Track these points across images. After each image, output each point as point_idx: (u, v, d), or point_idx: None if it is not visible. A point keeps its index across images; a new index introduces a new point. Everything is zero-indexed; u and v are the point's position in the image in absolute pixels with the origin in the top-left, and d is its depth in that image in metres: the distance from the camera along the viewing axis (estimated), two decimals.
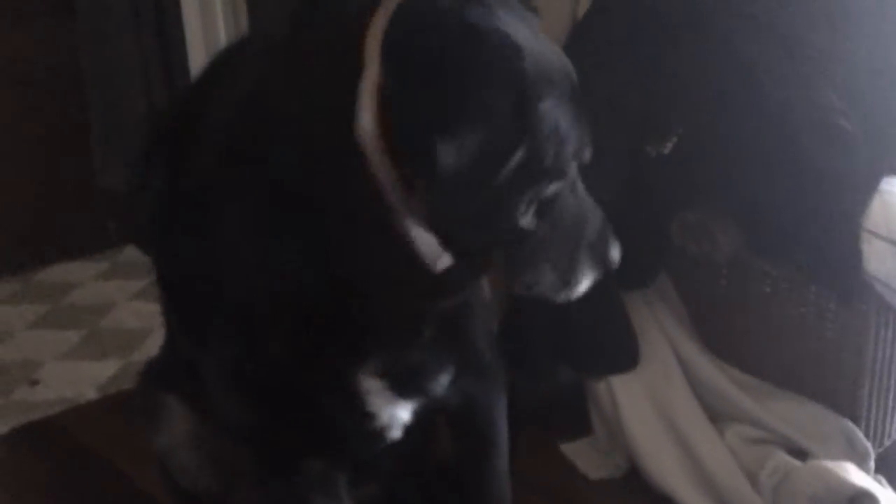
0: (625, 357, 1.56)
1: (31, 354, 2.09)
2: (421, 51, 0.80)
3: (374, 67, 0.80)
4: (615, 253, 1.00)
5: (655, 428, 1.50)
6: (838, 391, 1.47)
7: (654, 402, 1.52)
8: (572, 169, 0.93)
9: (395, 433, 1.07)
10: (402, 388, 1.01)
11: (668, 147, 1.53)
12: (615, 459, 1.56)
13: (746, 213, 1.51)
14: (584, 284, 0.97)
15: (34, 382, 1.97)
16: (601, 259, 0.98)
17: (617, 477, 1.55)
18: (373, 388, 0.99)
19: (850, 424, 1.45)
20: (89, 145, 2.49)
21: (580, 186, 0.96)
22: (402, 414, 1.04)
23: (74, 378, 1.98)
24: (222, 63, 0.99)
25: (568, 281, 0.96)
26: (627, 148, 1.54)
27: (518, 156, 0.82)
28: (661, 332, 1.58)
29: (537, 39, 0.88)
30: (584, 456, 1.58)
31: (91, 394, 1.92)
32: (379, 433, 1.06)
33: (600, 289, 1.55)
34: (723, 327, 1.59)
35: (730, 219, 1.50)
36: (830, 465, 1.36)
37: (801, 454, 1.44)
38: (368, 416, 1.02)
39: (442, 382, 1.06)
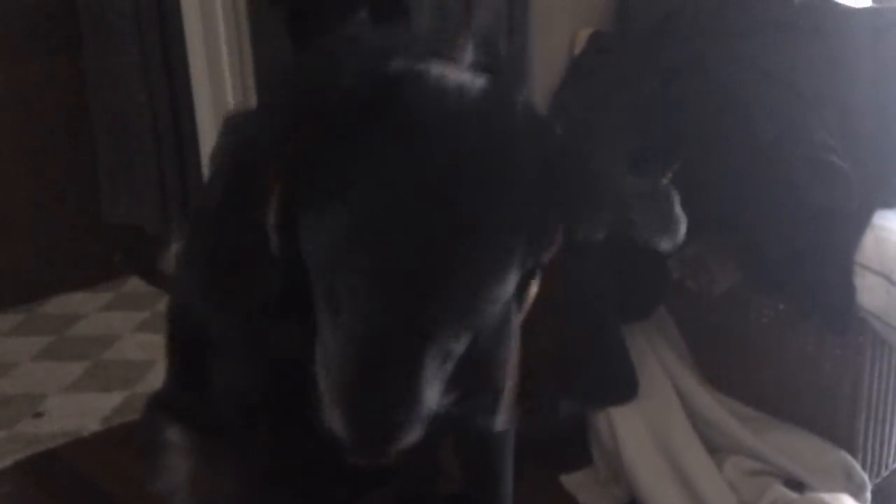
0: (623, 389, 1.58)
1: (35, 386, 2.10)
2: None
3: None
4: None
5: (655, 460, 1.51)
6: (835, 423, 1.49)
7: (654, 434, 1.53)
8: None
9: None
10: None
11: (665, 182, 1.56)
12: (615, 491, 1.57)
13: (742, 248, 1.53)
14: None
15: (38, 415, 1.98)
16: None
17: None
18: None
19: (848, 456, 1.46)
20: (95, 178, 2.52)
21: None
22: None
23: (78, 410, 1.98)
24: None
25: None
26: (626, 184, 1.56)
27: None
28: (660, 364, 1.60)
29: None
30: (584, 487, 1.59)
31: (95, 426, 1.93)
32: None
33: (599, 321, 1.59)
34: (721, 360, 1.61)
35: (726, 253, 1.53)
36: (827, 497, 1.37)
37: (798, 486, 1.46)
38: None
39: (443, 402, 1.04)
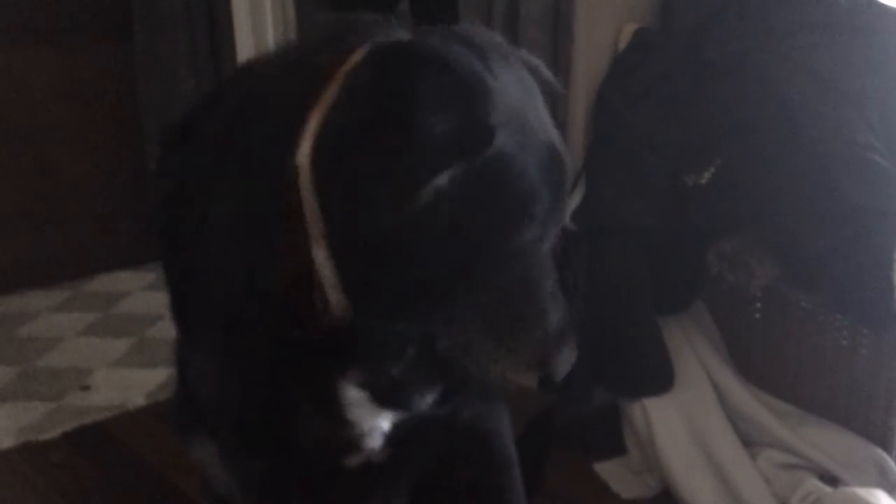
0: (659, 379, 1.60)
1: (81, 361, 2.16)
2: (370, 76, 0.79)
3: (328, 98, 0.81)
4: (563, 361, 0.87)
5: (689, 450, 1.53)
6: (871, 419, 1.50)
7: (688, 425, 1.55)
8: (532, 231, 0.82)
9: (375, 442, 1.06)
10: (383, 400, 1.00)
11: (705, 177, 1.58)
12: (648, 480, 1.59)
13: (782, 245, 1.54)
14: (520, 366, 0.86)
15: (85, 388, 2.05)
16: (544, 354, 0.85)
17: (649, 497, 1.58)
18: (353, 399, 0.99)
19: (882, 453, 1.47)
20: (142, 160, 2.58)
21: (546, 265, 0.85)
22: (382, 424, 1.03)
23: (124, 385, 2.04)
24: (229, 80, 1.05)
25: (506, 355, 0.85)
26: (667, 178, 1.58)
27: (442, 179, 0.75)
28: (696, 356, 1.62)
29: (524, 97, 0.83)
30: (617, 476, 1.61)
31: (140, 400, 1.98)
32: (357, 441, 1.04)
33: (635, 312, 1.61)
34: (757, 354, 1.62)
35: (765, 250, 1.54)
36: (861, 492, 1.38)
37: (832, 481, 1.47)
38: (348, 424, 1.01)
39: (427, 400, 1.04)
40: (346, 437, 1.03)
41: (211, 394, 1.09)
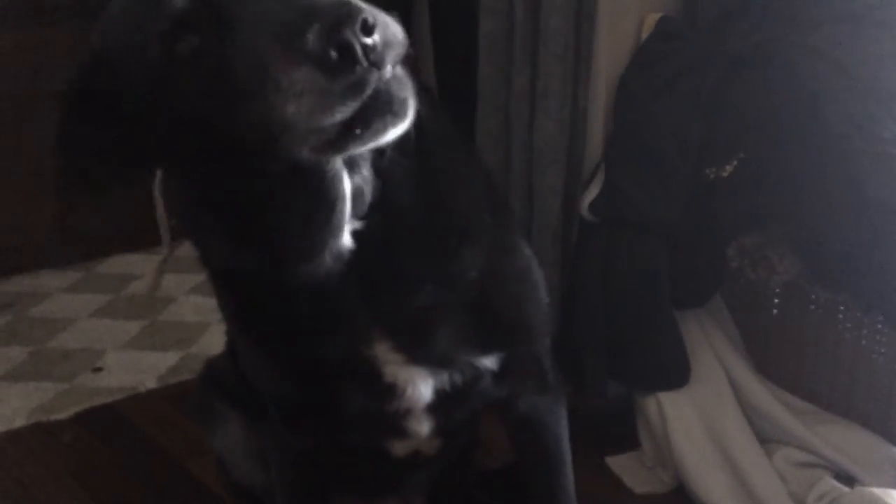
0: (675, 374, 1.59)
1: (93, 342, 2.16)
2: None
3: None
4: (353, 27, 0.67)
5: (704, 446, 1.52)
6: (889, 419, 1.48)
7: (704, 421, 1.54)
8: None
9: (422, 427, 1.04)
10: (419, 355, 0.97)
11: (727, 171, 1.56)
12: (661, 475, 1.58)
13: (803, 241, 1.52)
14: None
15: (97, 369, 2.05)
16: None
17: (663, 493, 1.57)
18: (387, 356, 0.96)
19: None
20: None
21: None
22: (423, 389, 0.99)
23: (135, 367, 2.05)
24: None
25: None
26: (689, 171, 1.56)
27: None
28: (713, 351, 1.61)
29: None
30: (630, 470, 1.60)
31: (151, 383, 1.99)
32: (402, 416, 1.02)
33: (652, 306, 1.59)
34: (774, 350, 1.61)
35: (787, 245, 1.52)
36: (878, 491, 1.37)
37: (848, 480, 1.45)
38: (389, 391, 0.99)
39: (480, 361, 1.01)
40: (390, 411, 1.00)
41: (256, 366, 1.08)
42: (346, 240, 0.88)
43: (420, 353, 0.98)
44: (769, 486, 1.45)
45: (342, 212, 0.85)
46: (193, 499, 1.61)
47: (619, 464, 1.62)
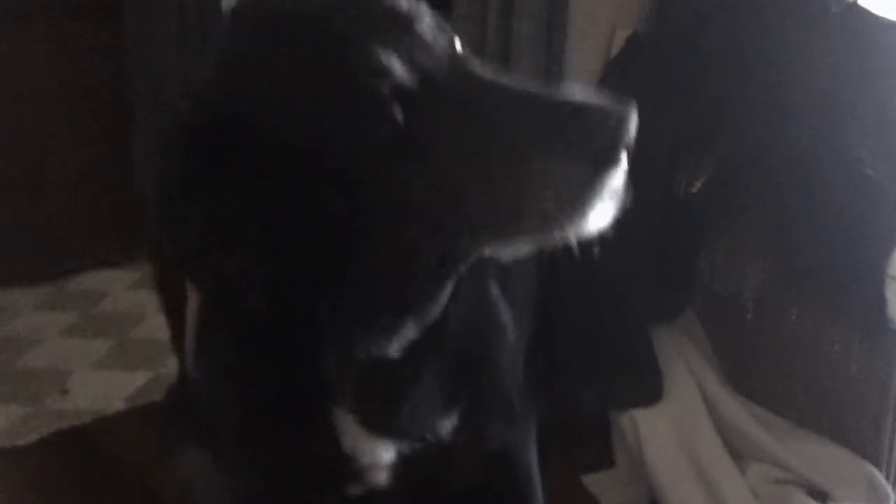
0: (648, 390, 1.58)
1: (61, 363, 2.13)
2: None
3: None
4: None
5: (678, 463, 1.51)
6: (861, 433, 1.48)
7: (678, 437, 1.53)
8: None
9: (381, 475, 1.02)
10: (380, 428, 0.96)
11: (696, 186, 1.55)
12: (636, 492, 1.57)
13: (774, 249, 1.52)
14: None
15: (64, 391, 2.01)
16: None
17: None
18: (346, 428, 0.95)
19: (872, 468, 1.45)
20: (126, 155, 2.54)
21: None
22: (384, 455, 0.98)
23: (103, 388, 2.02)
24: None
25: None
26: (658, 183, 1.56)
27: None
28: (686, 366, 1.60)
29: None
30: (606, 488, 1.59)
31: (119, 405, 1.96)
32: (362, 474, 1.00)
33: (626, 321, 1.58)
34: (747, 364, 1.60)
35: (758, 255, 1.52)
36: None
37: (821, 496, 1.45)
38: (346, 458, 0.97)
39: (442, 425, 1.00)
40: (348, 469, 0.99)
41: (216, 399, 1.04)
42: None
43: (383, 426, 0.96)
44: (742, 502, 1.44)
45: (428, 315, 0.84)
46: None
47: (595, 482, 1.60)
